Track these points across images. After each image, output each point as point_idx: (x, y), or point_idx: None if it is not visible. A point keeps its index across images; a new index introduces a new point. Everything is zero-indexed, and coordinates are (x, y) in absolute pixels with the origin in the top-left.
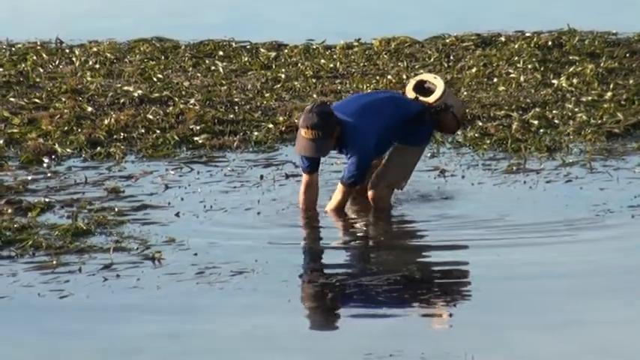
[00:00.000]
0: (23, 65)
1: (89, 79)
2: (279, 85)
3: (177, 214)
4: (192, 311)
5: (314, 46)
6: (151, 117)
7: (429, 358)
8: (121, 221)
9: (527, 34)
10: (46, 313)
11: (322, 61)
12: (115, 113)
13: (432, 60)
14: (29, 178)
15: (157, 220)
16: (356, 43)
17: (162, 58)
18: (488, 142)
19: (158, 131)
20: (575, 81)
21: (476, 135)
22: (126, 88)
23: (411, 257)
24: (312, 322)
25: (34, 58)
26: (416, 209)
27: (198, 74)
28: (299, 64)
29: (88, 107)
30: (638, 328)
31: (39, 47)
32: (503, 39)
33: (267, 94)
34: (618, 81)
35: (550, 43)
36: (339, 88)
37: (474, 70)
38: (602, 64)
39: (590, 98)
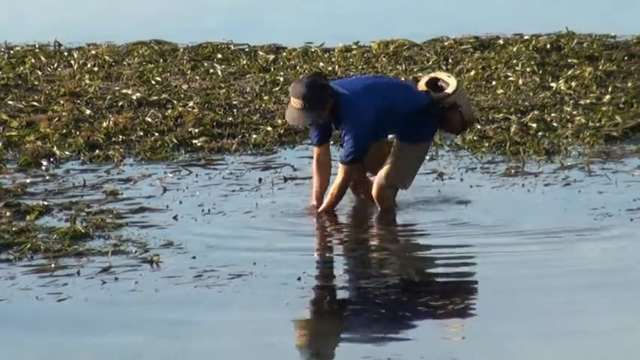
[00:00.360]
0: (22, 68)
1: (87, 82)
2: (277, 88)
3: (175, 217)
4: (191, 314)
5: (312, 49)
6: (149, 120)
7: None
8: (119, 224)
9: (526, 37)
10: (44, 315)
11: (321, 64)
12: (114, 116)
13: (430, 63)
14: (27, 181)
15: (155, 223)
16: (354, 46)
17: (161, 60)
18: (486, 144)
19: (156, 134)
20: (573, 84)
21: (474, 138)
22: (124, 90)
23: (409, 261)
24: (311, 326)
25: (33, 61)
26: (414, 212)
27: (197, 77)
28: (297, 67)
29: (87, 110)
30: (638, 335)
31: (37, 50)
32: (501, 42)
33: (265, 97)
34: (617, 84)
35: (548, 46)
36: None
37: (472, 72)
38: (600, 67)
39: (588, 101)
